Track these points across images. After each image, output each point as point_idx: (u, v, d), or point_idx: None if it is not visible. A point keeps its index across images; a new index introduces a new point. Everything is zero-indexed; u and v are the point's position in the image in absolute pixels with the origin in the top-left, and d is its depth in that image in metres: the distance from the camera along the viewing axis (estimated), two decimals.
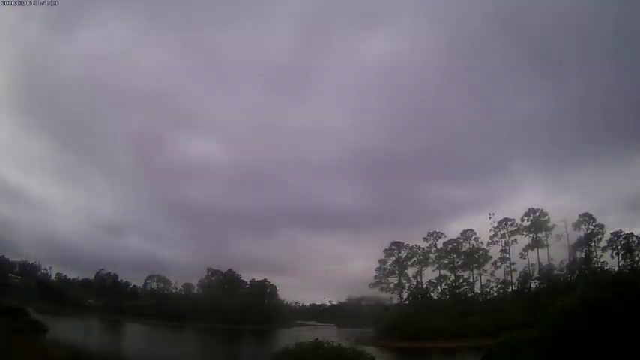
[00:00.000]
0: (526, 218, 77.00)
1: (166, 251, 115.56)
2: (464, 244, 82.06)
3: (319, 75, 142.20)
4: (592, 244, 74.00)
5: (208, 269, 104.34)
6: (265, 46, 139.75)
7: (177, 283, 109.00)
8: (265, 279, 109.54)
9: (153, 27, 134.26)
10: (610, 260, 72.88)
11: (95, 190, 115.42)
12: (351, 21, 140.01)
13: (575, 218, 74.28)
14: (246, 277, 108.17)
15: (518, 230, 77.81)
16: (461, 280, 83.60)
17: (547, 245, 74.99)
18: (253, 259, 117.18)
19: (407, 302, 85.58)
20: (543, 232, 75.37)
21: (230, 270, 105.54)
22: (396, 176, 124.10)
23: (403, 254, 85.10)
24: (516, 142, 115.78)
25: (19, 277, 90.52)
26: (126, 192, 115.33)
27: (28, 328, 24.78)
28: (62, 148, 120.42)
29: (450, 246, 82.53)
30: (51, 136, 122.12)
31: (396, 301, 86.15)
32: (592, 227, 74.21)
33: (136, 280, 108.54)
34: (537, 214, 76.10)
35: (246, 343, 74.40)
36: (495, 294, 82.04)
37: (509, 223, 78.69)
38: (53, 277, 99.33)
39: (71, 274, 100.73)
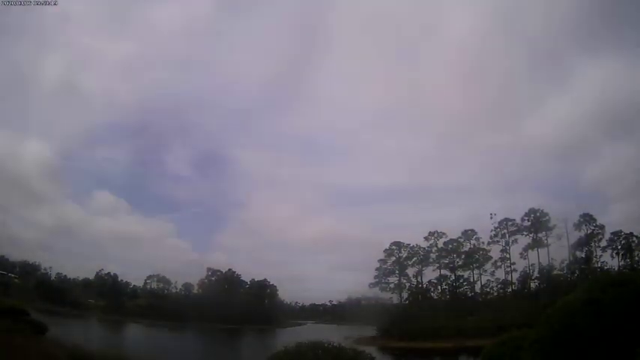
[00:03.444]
0: (526, 218, 76.94)
1: None
2: (464, 244, 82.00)
3: None
4: (592, 244, 73.93)
5: (208, 269, 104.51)
6: None
7: (177, 283, 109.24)
8: (265, 279, 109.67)
9: None
10: (610, 260, 73.01)
11: None
12: None
13: (575, 218, 74.37)
14: (246, 277, 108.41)
15: (519, 230, 77.70)
16: (461, 280, 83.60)
17: (547, 245, 74.99)
18: None
19: (407, 302, 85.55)
20: (544, 232, 75.28)
21: (230, 270, 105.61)
22: None
23: (403, 254, 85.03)
24: None
25: (19, 277, 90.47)
26: None
27: (28, 328, 24.65)
28: None
29: (450, 246, 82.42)
30: None
31: (396, 301, 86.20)
32: (592, 227, 74.14)
33: (136, 280, 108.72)
34: (538, 214, 76.02)
35: (245, 342, 74.31)
36: (495, 294, 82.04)
37: (510, 223, 78.61)
38: (53, 277, 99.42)
39: (71, 274, 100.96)
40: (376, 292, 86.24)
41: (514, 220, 78.27)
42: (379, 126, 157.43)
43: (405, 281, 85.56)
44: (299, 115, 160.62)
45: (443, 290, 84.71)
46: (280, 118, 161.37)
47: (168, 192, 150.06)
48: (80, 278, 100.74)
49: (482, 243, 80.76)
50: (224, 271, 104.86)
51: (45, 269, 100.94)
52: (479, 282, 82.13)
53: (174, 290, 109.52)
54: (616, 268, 69.54)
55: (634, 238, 72.12)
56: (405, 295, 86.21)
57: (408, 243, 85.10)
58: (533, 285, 77.50)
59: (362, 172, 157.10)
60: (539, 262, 75.87)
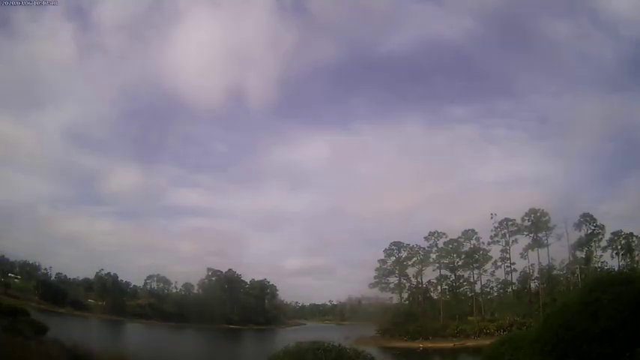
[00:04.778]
0: (527, 218, 76.77)
1: None
2: (464, 244, 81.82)
3: None
4: (592, 244, 73.78)
5: (208, 269, 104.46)
6: None
7: (177, 283, 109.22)
8: (265, 279, 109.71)
9: None
10: (610, 260, 72.84)
11: None
12: None
13: (575, 218, 74.24)
14: (247, 277, 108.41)
15: (519, 230, 77.54)
16: (461, 280, 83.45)
17: (547, 245, 74.75)
18: None
19: (407, 302, 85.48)
20: (544, 232, 75.13)
21: (230, 270, 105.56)
22: None
23: (403, 254, 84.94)
24: None
25: (19, 277, 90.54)
26: None
27: (28, 328, 24.67)
28: None
29: (450, 246, 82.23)
30: None
31: (396, 301, 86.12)
32: (592, 227, 73.97)
33: (136, 280, 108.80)
34: (538, 214, 75.90)
35: (245, 342, 74.34)
36: (495, 294, 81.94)
37: (510, 223, 78.40)
38: (53, 277, 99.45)
39: (71, 274, 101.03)
40: (376, 292, 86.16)
41: (514, 220, 78.12)
42: None
43: (405, 281, 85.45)
44: None
45: (443, 290, 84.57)
46: None
47: None
48: (80, 278, 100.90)
49: (483, 243, 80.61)
50: (224, 271, 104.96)
51: (45, 269, 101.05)
52: (479, 282, 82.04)
53: (174, 290, 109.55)
54: (616, 268, 69.46)
55: (634, 238, 72.05)
56: (405, 295, 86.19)
57: (407, 243, 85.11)
58: (533, 285, 77.43)
59: None
60: (539, 262, 75.74)
